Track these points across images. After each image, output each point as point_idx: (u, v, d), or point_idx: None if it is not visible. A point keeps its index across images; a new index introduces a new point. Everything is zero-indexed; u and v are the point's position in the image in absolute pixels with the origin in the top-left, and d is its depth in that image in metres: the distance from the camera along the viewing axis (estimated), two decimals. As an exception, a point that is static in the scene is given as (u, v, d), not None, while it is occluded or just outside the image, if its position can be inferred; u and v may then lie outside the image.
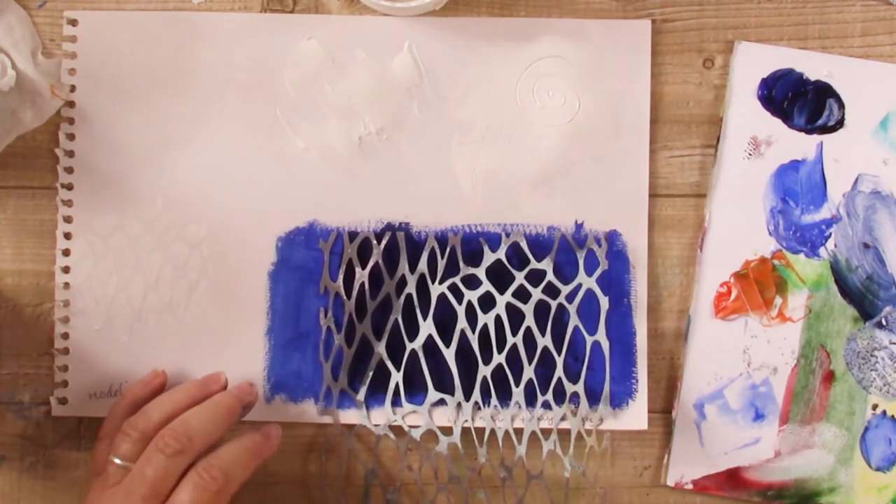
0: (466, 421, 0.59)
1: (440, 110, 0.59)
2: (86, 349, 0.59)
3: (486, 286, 0.59)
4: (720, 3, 0.60)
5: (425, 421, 0.59)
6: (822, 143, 0.59)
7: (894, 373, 0.59)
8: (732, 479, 0.59)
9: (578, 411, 0.59)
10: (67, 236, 0.59)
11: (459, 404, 0.59)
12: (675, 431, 0.59)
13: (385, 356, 0.59)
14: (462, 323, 0.59)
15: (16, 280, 0.60)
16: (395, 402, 0.59)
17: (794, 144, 0.59)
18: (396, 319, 0.59)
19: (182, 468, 0.51)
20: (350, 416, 0.59)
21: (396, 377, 0.59)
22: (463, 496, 0.59)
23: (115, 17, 0.59)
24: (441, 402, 0.59)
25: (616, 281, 0.59)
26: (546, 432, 0.59)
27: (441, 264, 0.59)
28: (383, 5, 0.57)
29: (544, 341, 0.59)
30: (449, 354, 0.59)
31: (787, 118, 0.59)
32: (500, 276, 0.59)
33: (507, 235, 0.59)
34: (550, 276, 0.59)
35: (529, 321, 0.59)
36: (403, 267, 0.59)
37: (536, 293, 0.59)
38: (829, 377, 0.59)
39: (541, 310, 0.59)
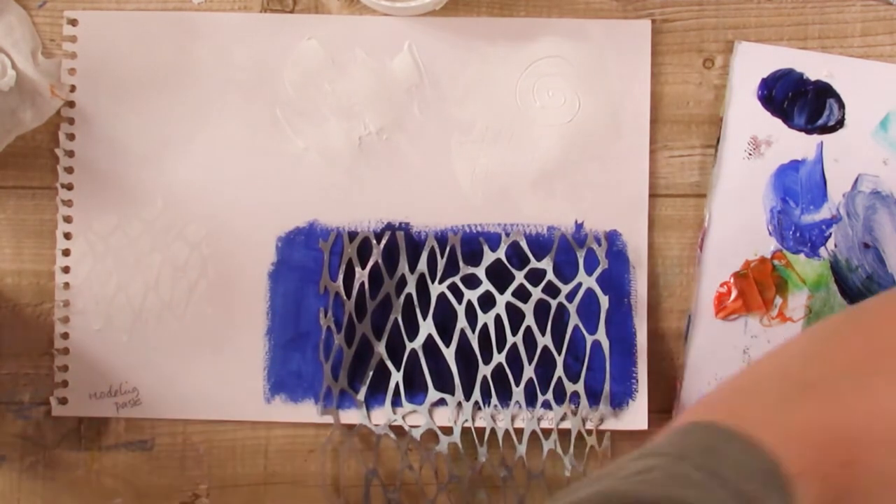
0: (467, 421, 0.59)
1: (440, 110, 0.59)
2: (86, 349, 0.59)
3: (486, 286, 0.59)
4: (720, 3, 0.59)
5: (425, 421, 0.59)
6: (822, 143, 0.59)
7: (894, 373, 0.59)
8: (732, 478, 0.59)
9: (579, 411, 0.59)
10: (67, 236, 0.59)
11: (460, 404, 0.59)
12: (676, 431, 0.59)
13: (385, 356, 0.59)
14: (462, 322, 0.59)
15: (16, 280, 0.60)
16: (396, 402, 0.59)
17: (794, 144, 0.59)
18: (396, 319, 0.59)
19: None
20: (350, 415, 0.59)
21: (396, 377, 0.59)
22: (463, 496, 0.59)
23: (115, 17, 0.59)
24: (441, 401, 0.59)
25: (616, 281, 0.59)
26: (546, 432, 0.59)
27: (441, 264, 0.59)
28: (383, 5, 0.57)
29: (544, 341, 0.59)
30: (449, 354, 0.59)
31: (787, 118, 0.59)
32: (499, 276, 0.59)
33: (507, 235, 0.59)
34: (550, 276, 0.59)
35: (529, 321, 0.59)
36: (403, 267, 0.59)
37: (536, 293, 0.59)
38: (830, 377, 0.59)
39: (541, 309, 0.59)
